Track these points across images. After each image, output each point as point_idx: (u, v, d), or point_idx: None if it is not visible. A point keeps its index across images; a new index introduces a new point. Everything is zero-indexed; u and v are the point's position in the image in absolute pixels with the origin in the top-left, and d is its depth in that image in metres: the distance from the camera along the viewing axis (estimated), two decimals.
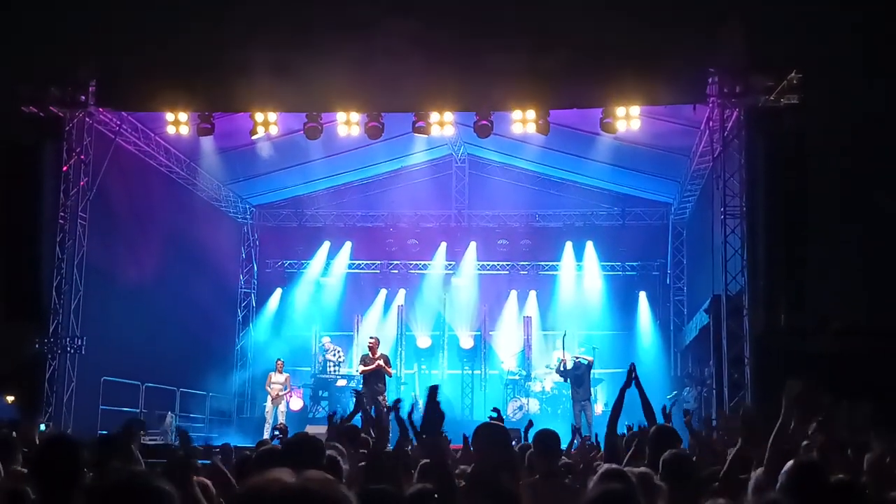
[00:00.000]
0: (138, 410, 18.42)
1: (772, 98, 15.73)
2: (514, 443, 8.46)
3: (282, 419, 19.42)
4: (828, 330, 15.12)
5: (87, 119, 17.59)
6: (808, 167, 15.74)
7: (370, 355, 17.89)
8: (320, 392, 23.36)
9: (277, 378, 20.37)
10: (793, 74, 15.48)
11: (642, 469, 5.30)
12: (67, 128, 17.34)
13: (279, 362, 20.77)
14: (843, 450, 6.67)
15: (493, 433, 5.60)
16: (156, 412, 19.07)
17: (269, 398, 20.19)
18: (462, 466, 6.31)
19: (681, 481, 5.35)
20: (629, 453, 6.59)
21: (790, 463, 4.66)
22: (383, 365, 17.75)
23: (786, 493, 4.39)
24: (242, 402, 24.49)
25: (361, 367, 18.02)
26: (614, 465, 5.09)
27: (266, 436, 17.89)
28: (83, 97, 17.28)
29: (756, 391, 15.39)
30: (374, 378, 17.63)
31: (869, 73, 14.51)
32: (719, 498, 4.61)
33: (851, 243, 15.79)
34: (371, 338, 18.78)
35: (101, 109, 17.65)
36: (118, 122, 18.21)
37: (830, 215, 16.29)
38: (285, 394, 20.41)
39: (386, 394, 17.79)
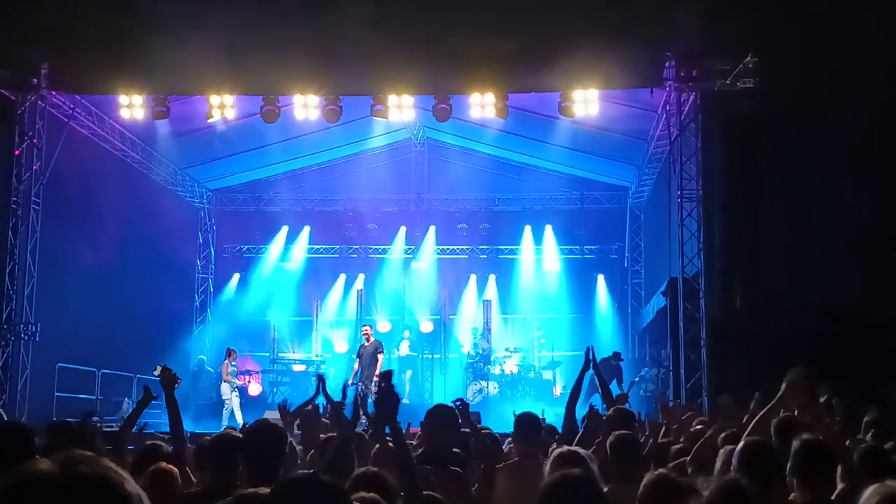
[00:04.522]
0: (94, 397, 18.24)
1: (728, 82, 15.88)
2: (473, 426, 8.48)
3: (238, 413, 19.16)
4: (782, 311, 15.32)
5: (40, 102, 17.31)
6: (763, 150, 15.92)
7: (364, 344, 18.16)
8: (279, 378, 23.34)
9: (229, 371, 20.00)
10: (748, 58, 15.64)
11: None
12: (19, 111, 17.06)
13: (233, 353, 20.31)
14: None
15: (443, 415, 5.65)
16: (112, 399, 18.89)
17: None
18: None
19: (627, 463, 5.42)
20: (578, 435, 6.65)
21: (739, 444, 4.75)
22: (374, 358, 18.05)
23: (738, 472, 4.48)
24: (200, 387, 24.25)
25: (357, 362, 18.12)
26: (569, 448, 5.12)
27: (225, 423, 17.84)
28: (35, 80, 17.00)
29: (712, 372, 15.58)
30: (371, 367, 17.88)
31: (824, 57, 14.67)
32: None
33: (805, 225, 16.00)
34: (364, 325, 19.04)
35: (53, 92, 17.37)
36: (71, 106, 17.93)
37: (785, 198, 16.49)
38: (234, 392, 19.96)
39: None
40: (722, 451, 5.47)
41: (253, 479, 4.20)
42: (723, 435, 6.08)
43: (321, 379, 7.35)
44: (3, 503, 1.70)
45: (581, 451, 5.01)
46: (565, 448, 5.06)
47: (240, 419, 18.58)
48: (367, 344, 18.59)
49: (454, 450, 5.65)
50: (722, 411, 8.05)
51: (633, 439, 5.75)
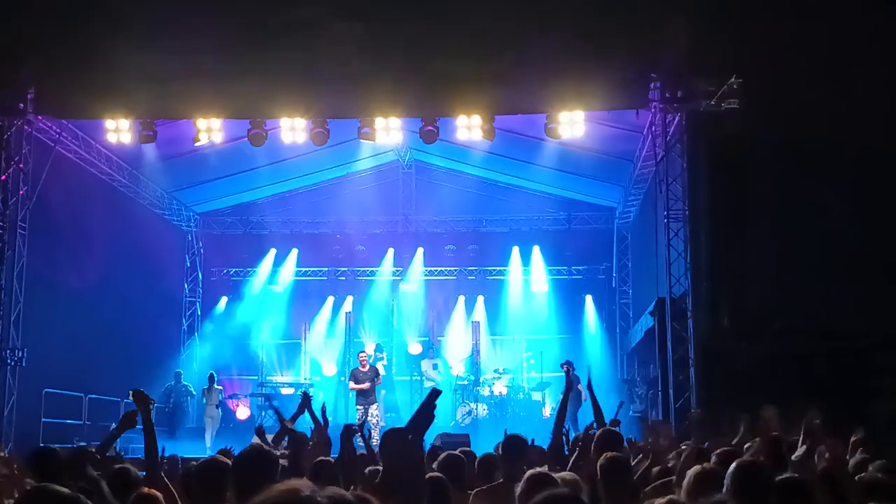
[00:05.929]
0: (81, 423, 18.12)
1: (713, 103, 15.97)
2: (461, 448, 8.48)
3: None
4: (769, 331, 15.35)
5: (27, 127, 17.28)
6: (748, 170, 16.00)
7: (360, 368, 18.37)
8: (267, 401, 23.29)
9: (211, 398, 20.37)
10: (733, 79, 15.73)
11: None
12: (6, 136, 17.02)
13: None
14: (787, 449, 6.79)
15: (397, 441, 5.62)
16: (100, 424, 18.75)
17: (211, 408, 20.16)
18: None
19: (618, 485, 5.41)
20: (573, 456, 6.64)
21: (733, 465, 4.72)
22: (373, 383, 18.61)
23: (731, 494, 4.45)
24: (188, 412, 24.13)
25: (351, 384, 18.45)
26: (539, 470, 5.12)
27: (208, 444, 17.96)
28: (22, 105, 16.96)
29: (700, 392, 15.58)
30: (367, 392, 18.45)
31: (808, 78, 14.78)
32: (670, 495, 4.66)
33: (792, 245, 16.05)
34: (361, 352, 19.61)
35: (40, 117, 17.34)
36: (58, 130, 17.89)
37: (772, 217, 16.55)
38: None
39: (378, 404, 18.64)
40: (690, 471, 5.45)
41: None
42: (716, 452, 6.08)
43: (307, 398, 7.31)
44: None
45: (551, 473, 5.02)
46: (537, 470, 5.07)
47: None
48: (364, 369, 18.72)
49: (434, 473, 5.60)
50: (693, 426, 8.06)
51: (623, 461, 5.74)
